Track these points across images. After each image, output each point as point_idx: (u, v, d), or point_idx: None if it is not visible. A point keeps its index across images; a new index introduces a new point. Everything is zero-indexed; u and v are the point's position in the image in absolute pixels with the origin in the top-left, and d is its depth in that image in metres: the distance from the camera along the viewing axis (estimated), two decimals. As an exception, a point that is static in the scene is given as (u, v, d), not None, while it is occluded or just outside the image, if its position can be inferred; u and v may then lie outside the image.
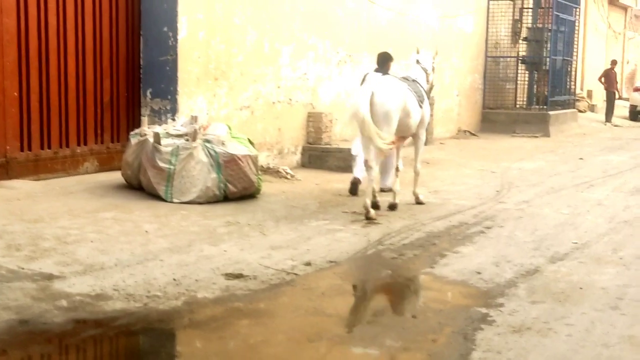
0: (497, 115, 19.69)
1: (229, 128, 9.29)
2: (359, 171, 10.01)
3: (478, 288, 6.12)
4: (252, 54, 11.21)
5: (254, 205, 9.08)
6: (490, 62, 20.01)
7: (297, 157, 12.49)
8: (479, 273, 6.50)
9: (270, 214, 8.67)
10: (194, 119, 8.90)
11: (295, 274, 6.35)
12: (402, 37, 15.39)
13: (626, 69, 34.68)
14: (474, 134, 18.73)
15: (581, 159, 15.08)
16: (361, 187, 9.88)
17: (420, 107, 9.36)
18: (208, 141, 8.83)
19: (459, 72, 18.22)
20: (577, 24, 22.04)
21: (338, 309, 5.71)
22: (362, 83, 9.71)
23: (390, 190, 9.81)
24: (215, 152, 8.78)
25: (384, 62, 10.49)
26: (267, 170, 11.36)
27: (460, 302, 5.85)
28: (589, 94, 27.88)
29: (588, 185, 11.78)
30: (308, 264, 6.67)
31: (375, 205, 9.06)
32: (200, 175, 8.70)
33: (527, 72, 20.43)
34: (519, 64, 20.45)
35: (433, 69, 10.14)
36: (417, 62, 10.03)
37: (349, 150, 12.28)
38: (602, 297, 5.90)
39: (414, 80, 9.58)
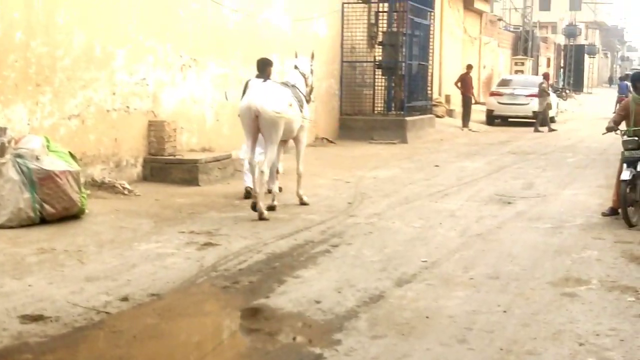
0: (354, 121, 19.24)
1: (47, 140, 8.29)
2: (249, 180, 10.05)
3: (315, 321, 5.45)
4: (81, 57, 10.20)
5: (76, 227, 8.12)
6: (346, 67, 19.57)
7: (138, 170, 11.53)
8: (318, 302, 5.83)
9: (94, 238, 7.75)
10: (3, 131, 7.85)
11: (107, 313, 5.49)
12: (252, 40, 14.67)
13: (483, 73, 35.27)
14: (331, 142, 18.22)
15: (437, 166, 14.79)
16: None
17: (301, 111, 9.79)
18: (20, 156, 7.82)
19: (315, 77, 17.62)
20: (432, 28, 21.95)
21: (149, 357, 4.88)
22: (244, 90, 9.87)
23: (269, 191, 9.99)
24: (28, 168, 7.77)
25: (264, 67, 10.66)
26: (101, 186, 10.41)
27: (291, 341, 5.14)
28: (447, 99, 28.03)
29: (442, 194, 11.39)
30: (125, 298, 5.82)
31: (272, 208, 9.53)
32: (11, 196, 7.67)
33: (384, 77, 20.08)
34: (376, 69, 20.09)
35: (311, 72, 10.63)
36: (295, 67, 10.46)
37: (194, 161, 11.48)
38: (450, 327, 5.34)
39: (293, 86, 9.93)
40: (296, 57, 10.71)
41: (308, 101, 10.37)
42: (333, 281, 6.45)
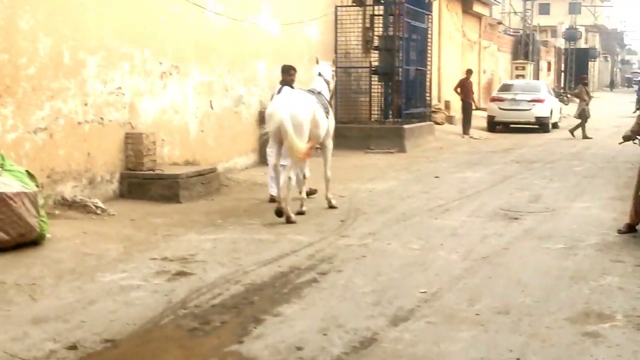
0: (349, 130, 18.35)
1: (2, 158, 7.43)
2: (273, 187, 10.28)
3: (293, 375, 4.58)
4: (48, 65, 9.35)
5: (34, 255, 7.26)
6: (340, 73, 18.63)
7: (114, 187, 10.69)
8: (299, 349, 4.98)
9: (52, 268, 6.91)
10: (-54, 149, 7.00)
11: (47, 367, 4.62)
12: (238, 46, 13.85)
13: (483, 78, 34.45)
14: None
15: (437, 177, 13.94)
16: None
17: (327, 117, 10.10)
18: (-34, 177, 6.96)
19: (306, 85, 16.77)
20: (430, 32, 21.11)
21: None
22: (272, 96, 10.58)
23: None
24: (-25, 190, 6.90)
25: (288, 72, 11.22)
26: (72, 205, 9.59)
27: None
28: (447, 105, 27.20)
29: (443, 209, 10.54)
30: (73, 346, 4.98)
31: (301, 213, 9.73)
32: (-44, 222, 6.81)
33: (380, 83, 19.23)
34: (372, 75, 19.25)
35: (333, 77, 10.96)
36: (320, 74, 10.67)
37: (174, 176, 10.64)
38: (454, 381, 4.48)
39: (319, 93, 10.24)
40: (317, 63, 11.03)
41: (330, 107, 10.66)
42: (318, 319, 5.59)
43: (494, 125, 25.66)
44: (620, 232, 8.81)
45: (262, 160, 14.52)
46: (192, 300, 6.04)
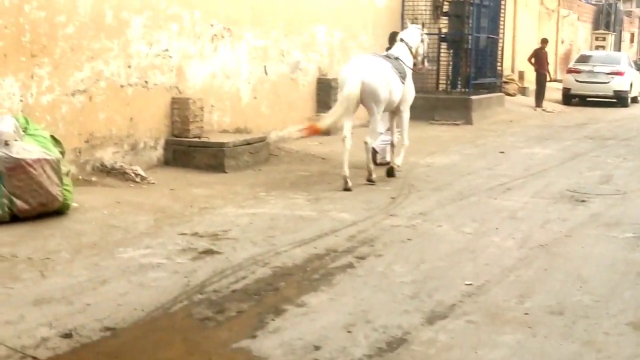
0: (415, 99, 17.48)
1: (26, 122, 7.04)
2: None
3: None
4: (89, 24, 8.93)
5: (55, 227, 6.85)
6: (408, 40, 17.90)
7: (159, 154, 10.27)
8: (317, 348, 4.42)
9: (72, 241, 6.48)
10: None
11: (34, 359, 4.17)
12: (296, 10, 13.24)
13: (560, 49, 33.06)
14: (386, 122, 16.63)
15: (502, 152, 13.15)
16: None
17: (402, 83, 9.91)
18: (-17, 141, 6.55)
19: (369, 51, 16.01)
20: (503, -1, 20.10)
21: None
22: None
23: (388, 163, 10.51)
24: (-7, 156, 6.50)
25: (392, 40, 11.19)
26: (110, 172, 9.23)
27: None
28: (521, 76, 26.10)
29: (504, 188, 9.81)
30: (69, 335, 4.52)
31: (370, 180, 9.70)
32: (-29, 189, 6.43)
33: (449, 51, 18.37)
34: (441, 43, 18.39)
35: (423, 41, 10.74)
36: (401, 39, 10.45)
37: (220, 144, 10.16)
38: (489, 398, 3.86)
39: (396, 58, 10.00)
40: (405, 27, 11.05)
41: (421, 69, 11.10)
42: (346, 313, 5.01)
43: (569, 98, 24.48)
44: (697, 221, 7.98)
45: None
46: (213, 284, 5.52)
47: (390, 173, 10.15)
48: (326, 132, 11.24)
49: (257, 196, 8.78)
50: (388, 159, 10.64)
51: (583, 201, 9.05)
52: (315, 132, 10.00)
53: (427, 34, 18.06)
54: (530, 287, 5.70)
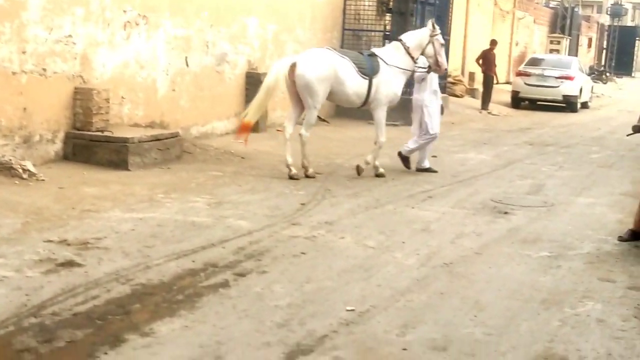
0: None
1: None
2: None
3: None
4: (-26, 5, 8.14)
5: None
6: (349, 36, 17.30)
7: (57, 147, 9.50)
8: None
9: None
10: None
11: None
12: (219, 0, 12.47)
13: (515, 51, 32.70)
14: (324, 120, 15.96)
15: (434, 156, 12.50)
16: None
17: (366, 79, 9.73)
18: None
19: (305, 45, 15.36)
20: (451, -3, 19.55)
21: None
22: None
23: (426, 170, 10.75)
24: None
25: None
26: (-5, 166, 8.38)
27: None
28: (471, 77, 25.63)
29: (426, 196, 9.23)
30: None
31: (308, 176, 9.75)
32: None
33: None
34: (385, 40, 17.75)
35: (431, 42, 10.23)
36: (399, 39, 10.38)
37: (124, 139, 9.44)
38: None
39: (371, 55, 10.06)
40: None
41: (438, 71, 10.62)
42: (196, 346, 4.35)
43: (518, 101, 24.04)
44: (621, 239, 7.46)
45: (247, 125, 13.29)
46: (55, 305, 4.83)
47: (359, 171, 10.14)
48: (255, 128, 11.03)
49: (154, 198, 8.08)
50: (425, 165, 10.87)
51: (505, 213, 8.50)
52: (247, 129, 9.79)
53: (370, 30, 17.76)
54: (419, 315, 5.08)
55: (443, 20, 18.96)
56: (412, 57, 10.19)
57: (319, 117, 15.89)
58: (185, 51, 11.71)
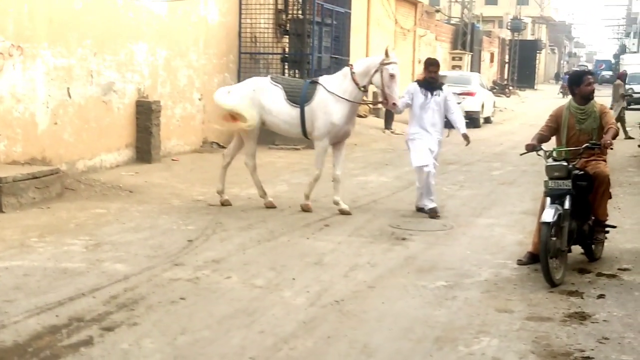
0: (255, 123, 16.51)
1: None
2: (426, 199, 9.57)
3: None
4: None
5: None
6: (247, 60, 16.88)
7: None
8: None
9: None
10: None
11: None
12: (109, 25, 11.92)
13: (418, 68, 32.81)
14: (223, 147, 15.43)
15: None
16: None
17: (296, 107, 9.27)
18: None
19: (200, 71, 14.95)
20: (349, 17, 19.34)
21: None
22: (406, 93, 9.69)
23: (431, 213, 9.43)
24: None
25: (427, 68, 9.76)
26: None
27: None
28: (375, 96, 25.46)
29: (322, 225, 8.86)
30: None
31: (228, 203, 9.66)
32: None
33: (291, 71, 17.38)
34: (283, 62, 17.43)
35: (379, 71, 9.13)
36: (349, 65, 9.79)
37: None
38: None
39: (312, 82, 9.50)
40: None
41: (387, 105, 9.57)
42: (42, 422, 3.81)
43: (422, 119, 23.98)
44: (520, 262, 7.22)
45: (139, 156, 12.75)
46: None
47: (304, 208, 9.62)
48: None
49: (25, 243, 7.46)
50: (428, 204, 9.54)
51: (403, 239, 8.20)
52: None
53: (268, 53, 17.38)
54: (299, 367, 4.65)
55: (342, 41, 18.81)
56: (358, 85, 9.23)
57: (217, 144, 15.54)
58: (67, 82, 11.08)
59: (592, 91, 7.26)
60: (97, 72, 11.80)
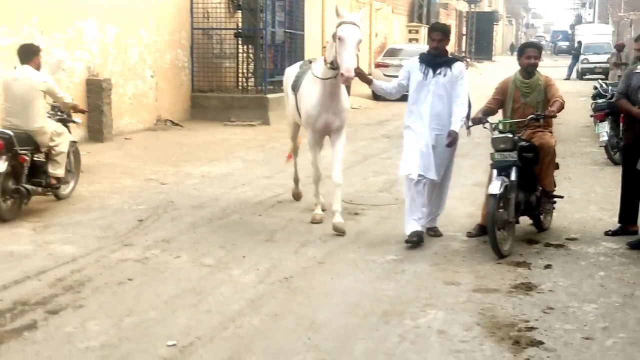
0: (208, 99, 16.43)
1: None
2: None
3: None
4: None
5: None
6: (199, 36, 16.70)
7: None
8: None
9: None
10: None
11: None
12: (55, 2, 11.69)
13: (375, 42, 32.80)
14: (177, 124, 15.38)
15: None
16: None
17: (294, 94, 7.90)
18: None
19: (151, 48, 14.76)
20: (304, -9, 19.23)
21: None
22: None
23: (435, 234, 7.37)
24: None
25: (430, 35, 7.28)
26: None
27: None
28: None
29: (275, 201, 8.86)
30: None
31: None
32: None
33: (244, 47, 17.22)
34: (237, 38, 17.26)
35: (334, 37, 7.06)
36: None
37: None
38: None
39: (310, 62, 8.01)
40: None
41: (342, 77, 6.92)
42: (-19, 408, 3.77)
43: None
44: (469, 235, 7.30)
45: (91, 135, 12.61)
46: None
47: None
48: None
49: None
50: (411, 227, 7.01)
51: (356, 214, 8.23)
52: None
53: (221, 29, 17.19)
54: (248, 343, 4.65)
55: (296, 15, 18.68)
56: (325, 61, 7.34)
57: (171, 121, 15.42)
58: (13, 61, 10.83)
59: (531, 65, 7.20)
60: (45, 51, 11.55)
